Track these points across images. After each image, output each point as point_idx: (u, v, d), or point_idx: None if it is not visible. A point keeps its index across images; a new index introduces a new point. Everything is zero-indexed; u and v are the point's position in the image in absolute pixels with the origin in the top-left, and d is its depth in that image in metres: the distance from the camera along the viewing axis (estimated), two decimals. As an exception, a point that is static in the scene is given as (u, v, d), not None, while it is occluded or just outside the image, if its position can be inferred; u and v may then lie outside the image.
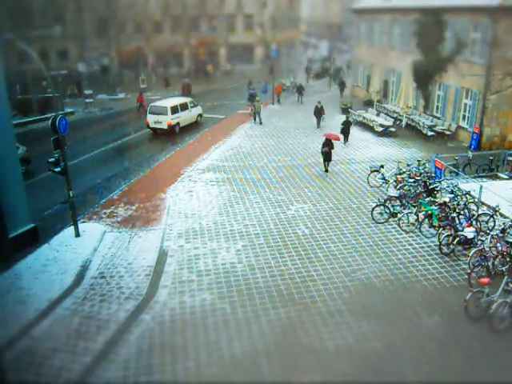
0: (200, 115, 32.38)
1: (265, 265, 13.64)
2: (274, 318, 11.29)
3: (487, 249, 12.74)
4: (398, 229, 15.62)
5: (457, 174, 19.29)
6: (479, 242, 13.44)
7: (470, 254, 12.84)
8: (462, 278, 12.75)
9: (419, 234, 15.22)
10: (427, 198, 16.20)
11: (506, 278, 11.25)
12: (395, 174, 18.70)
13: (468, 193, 16.16)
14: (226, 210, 17.47)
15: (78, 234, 15.26)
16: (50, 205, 18.17)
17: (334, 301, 11.91)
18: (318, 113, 29.48)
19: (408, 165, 19.25)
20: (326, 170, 21.42)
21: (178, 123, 29.42)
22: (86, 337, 10.71)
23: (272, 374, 9.68)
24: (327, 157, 21.32)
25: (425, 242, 14.77)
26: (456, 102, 26.18)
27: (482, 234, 13.92)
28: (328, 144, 21.36)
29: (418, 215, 15.48)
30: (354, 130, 29.05)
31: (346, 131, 25.60)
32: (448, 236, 13.93)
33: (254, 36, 60.01)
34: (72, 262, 13.75)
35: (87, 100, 38.34)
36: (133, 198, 18.92)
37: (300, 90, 38.45)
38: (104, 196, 19.31)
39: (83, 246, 14.71)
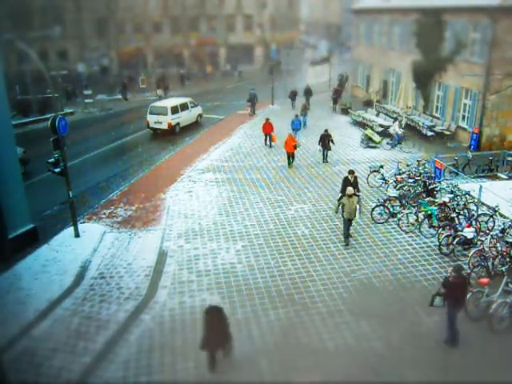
0: (200, 115, 32.38)
1: (264, 265, 13.65)
2: (273, 319, 11.29)
3: (487, 249, 12.75)
4: (398, 229, 15.62)
5: (456, 174, 19.29)
6: (479, 242, 13.44)
7: (470, 255, 12.84)
8: (461, 278, 12.75)
9: (419, 234, 15.22)
10: (427, 198, 16.22)
11: (505, 278, 11.26)
12: (395, 175, 18.70)
13: (468, 193, 16.16)
14: (226, 211, 17.47)
15: (77, 235, 15.26)
16: (50, 205, 18.19)
17: (333, 301, 11.91)
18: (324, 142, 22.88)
19: (408, 165, 19.25)
20: (334, 110, 34.24)
21: (178, 123, 29.44)
22: (85, 337, 10.71)
23: (272, 373, 9.68)
24: (336, 101, 34.48)
25: (424, 243, 14.78)
26: (455, 102, 26.17)
27: (481, 234, 13.94)
28: (337, 93, 35.36)
29: (417, 215, 15.48)
30: (354, 130, 29.09)
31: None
32: (448, 236, 13.94)
33: (254, 36, 60.01)
34: (72, 262, 13.76)
35: (87, 100, 38.39)
36: (132, 199, 18.92)
37: (325, 142, 22.76)
38: (104, 196, 19.32)
39: (83, 246, 14.71)
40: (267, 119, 26.13)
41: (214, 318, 9.57)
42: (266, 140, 26.52)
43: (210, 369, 9.61)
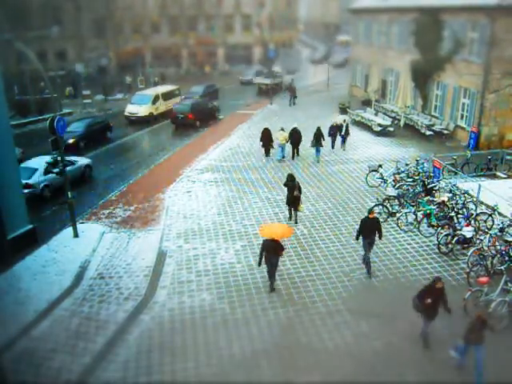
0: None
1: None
2: (272, 318, 11.30)
3: (486, 248, 12.76)
4: (397, 228, 15.63)
5: (455, 173, 19.29)
6: (478, 241, 13.46)
7: (469, 253, 12.85)
8: (460, 277, 12.77)
9: (418, 233, 15.23)
10: (426, 198, 16.21)
11: (504, 276, 11.27)
12: (393, 174, 18.70)
13: (466, 192, 16.17)
14: (225, 210, 17.47)
15: (76, 235, 15.24)
16: (49, 206, 18.16)
17: (332, 301, 11.92)
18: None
19: (406, 164, 19.25)
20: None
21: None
22: (85, 337, 10.70)
23: (271, 373, 9.69)
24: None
25: (423, 242, 14.79)
26: (454, 101, 26.17)
27: (480, 233, 13.94)
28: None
29: (416, 214, 15.49)
30: (353, 130, 29.06)
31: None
32: (447, 235, 13.95)
33: (252, 36, 60.00)
34: (71, 262, 13.75)
35: (85, 101, 38.35)
36: (132, 199, 18.91)
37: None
38: (103, 196, 19.30)
39: (82, 246, 14.70)
40: None
41: (295, 186, 16.17)
42: None
43: (289, 219, 16.38)
